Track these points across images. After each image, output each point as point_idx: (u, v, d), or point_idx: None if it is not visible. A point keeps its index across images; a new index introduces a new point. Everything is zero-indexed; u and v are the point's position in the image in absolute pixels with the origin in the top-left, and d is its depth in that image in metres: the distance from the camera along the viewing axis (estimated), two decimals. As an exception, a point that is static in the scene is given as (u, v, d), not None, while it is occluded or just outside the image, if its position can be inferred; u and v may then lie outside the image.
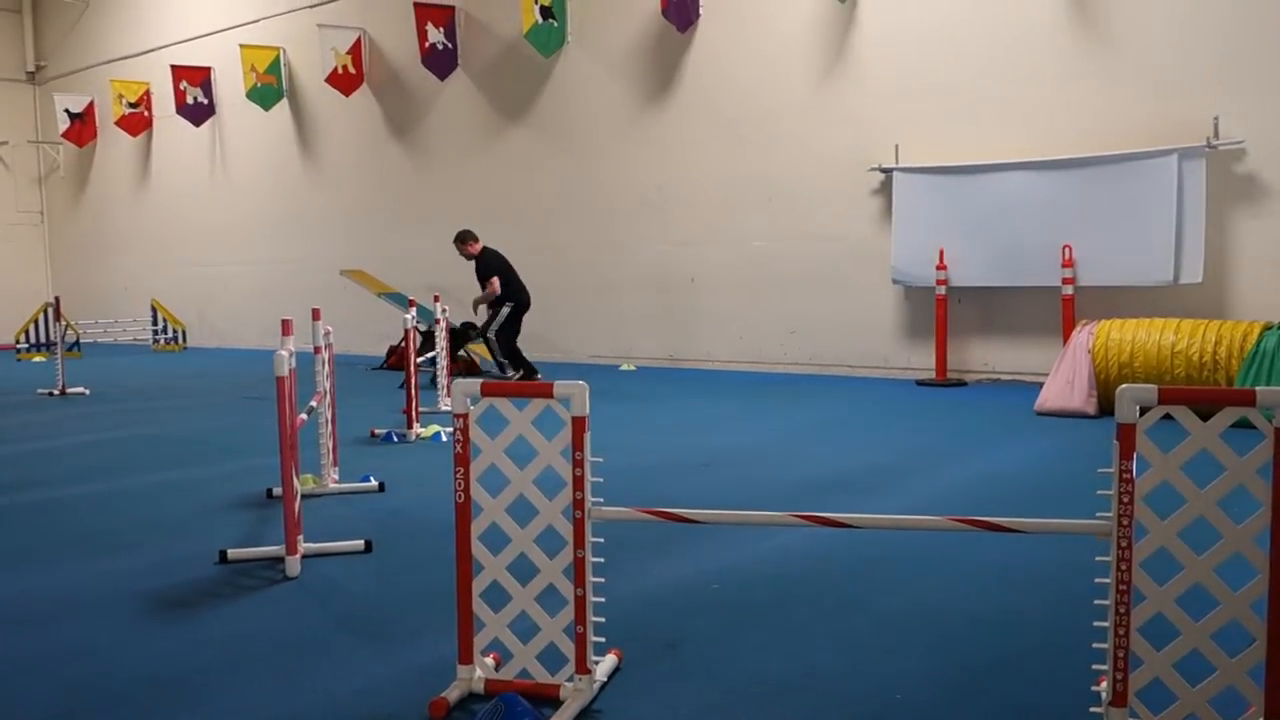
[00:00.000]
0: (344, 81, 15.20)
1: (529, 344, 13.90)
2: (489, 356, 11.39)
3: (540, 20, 13.07)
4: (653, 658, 3.25)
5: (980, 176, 10.17)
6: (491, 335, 10.93)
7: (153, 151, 19.17)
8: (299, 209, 16.72)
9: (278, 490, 5.60)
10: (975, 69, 10.31)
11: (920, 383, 10.52)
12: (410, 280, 14.20)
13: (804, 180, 11.53)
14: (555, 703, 2.89)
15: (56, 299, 13.00)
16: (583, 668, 2.90)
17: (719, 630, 3.51)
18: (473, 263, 11.06)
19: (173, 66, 17.52)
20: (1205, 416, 2.51)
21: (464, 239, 11.08)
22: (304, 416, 4.90)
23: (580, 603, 2.88)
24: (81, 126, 19.86)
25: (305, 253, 16.50)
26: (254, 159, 17.37)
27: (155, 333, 18.07)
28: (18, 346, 16.30)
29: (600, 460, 2.93)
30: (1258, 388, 2.46)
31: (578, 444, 2.83)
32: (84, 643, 3.53)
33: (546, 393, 2.86)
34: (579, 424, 2.83)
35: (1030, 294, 10.08)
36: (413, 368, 7.99)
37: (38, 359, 15.78)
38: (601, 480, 2.93)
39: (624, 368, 12.70)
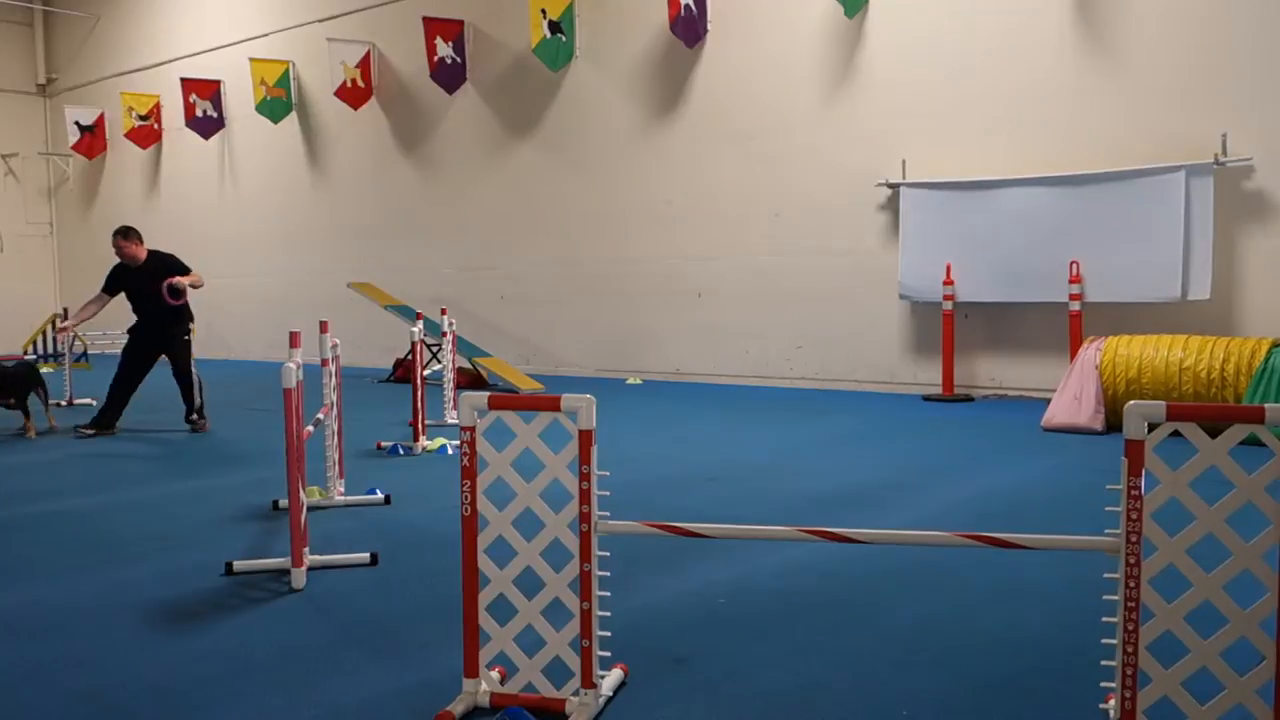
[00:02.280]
0: (353, 95, 15.27)
1: (534, 359, 13.95)
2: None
3: (548, 35, 13.13)
4: (659, 672, 3.24)
5: (988, 192, 10.17)
6: (195, 370, 8.99)
7: (162, 164, 19.25)
8: (307, 221, 16.77)
9: (284, 502, 5.60)
10: (983, 84, 10.33)
11: (927, 398, 10.50)
12: (417, 293, 14.23)
13: (811, 195, 11.54)
14: (561, 717, 2.88)
15: (65, 310, 13.04)
16: (588, 682, 2.89)
17: (725, 645, 3.50)
18: (150, 267, 8.97)
19: (182, 79, 17.61)
20: (1214, 433, 2.51)
21: (128, 235, 9.00)
22: (310, 429, 4.90)
23: (586, 616, 2.87)
24: (91, 139, 19.95)
25: (313, 265, 16.55)
26: (263, 172, 17.43)
27: (163, 344, 18.08)
28: (26, 357, 16.34)
29: (606, 474, 2.93)
30: (1267, 404, 2.45)
31: (584, 458, 2.83)
32: (87, 653, 3.53)
33: (554, 406, 2.85)
34: (585, 437, 2.83)
35: (1038, 310, 10.07)
36: (419, 380, 8.00)
37: (45, 369, 15.82)
38: (608, 494, 2.93)
39: (630, 382, 12.69)
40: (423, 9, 14.25)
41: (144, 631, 3.74)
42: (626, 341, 13.18)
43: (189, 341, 9.10)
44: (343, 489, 5.89)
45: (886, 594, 4.05)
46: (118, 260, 9.17)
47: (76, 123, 19.82)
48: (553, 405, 2.86)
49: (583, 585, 2.87)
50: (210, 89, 17.62)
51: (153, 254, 9.18)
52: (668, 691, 3.10)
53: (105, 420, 8.98)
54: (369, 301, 14.08)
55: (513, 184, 14.13)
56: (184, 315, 9.08)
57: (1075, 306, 9.54)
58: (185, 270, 9.04)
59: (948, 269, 10.31)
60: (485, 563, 2.95)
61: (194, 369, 9.10)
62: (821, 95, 11.43)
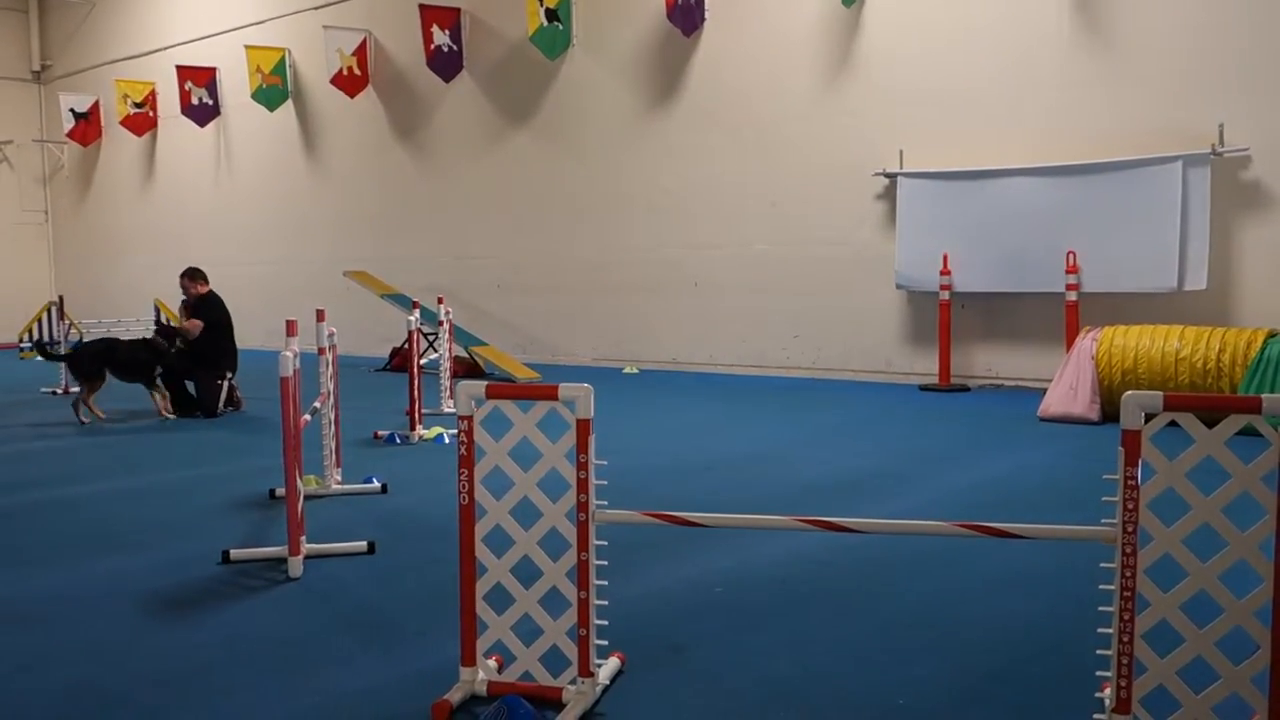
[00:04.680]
0: (349, 83, 15.21)
1: (530, 348, 13.94)
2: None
3: (545, 23, 13.08)
4: (656, 661, 3.24)
5: (985, 182, 10.16)
6: (221, 408, 9.31)
7: (157, 152, 19.19)
8: (303, 210, 16.73)
9: (281, 491, 5.59)
10: (980, 74, 10.31)
11: (923, 388, 10.51)
12: (414, 282, 14.19)
13: (808, 185, 11.52)
14: (558, 705, 2.88)
15: (60, 298, 13.01)
16: (585, 670, 2.90)
17: (722, 634, 3.51)
18: (202, 302, 9.59)
19: (178, 67, 17.54)
20: (1210, 423, 2.51)
21: (194, 276, 9.65)
22: (308, 417, 4.90)
23: (583, 605, 2.88)
24: (86, 126, 19.88)
25: (309, 254, 16.51)
26: (258, 160, 17.38)
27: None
28: (21, 345, 16.30)
29: (604, 463, 2.93)
30: (1263, 395, 2.46)
31: (582, 447, 2.83)
32: (85, 642, 3.53)
33: (551, 395, 2.85)
34: (583, 427, 2.83)
35: (1034, 300, 10.07)
36: (416, 369, 7.99)
37: (41, 358, 15.77)
38: (605, 483, 2.93)
39: (627, 371, 12.69)
40: (419, -4, 14.20)
41: (141, 620, 3.75)
42: (623, 331, 13.18)
43: (219, 385, 9.32)
44: (340, 478, 5.89)
45: (883, 583, 4.06)
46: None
47: (71, 110, 19.73)
48: (550, 394, 2.85)
49: (580, 574, 2.87)
50: (206, 76, 17.55)
51: (209, 294, 9.65)
52: (664, 680, 3.11)
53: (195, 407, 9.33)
54: (365, 290, 14.06)
55: (509, 173, 14.10)
56: (207, 363, 9.31)
57: (1072, 296, 9.54)
58: (198, 314, 9.43)
59: (944, 259, 10.30)
60: (483, 552, 2.95)
61: (219, 406, 9.29)
62: (819, 84, 11.41)
